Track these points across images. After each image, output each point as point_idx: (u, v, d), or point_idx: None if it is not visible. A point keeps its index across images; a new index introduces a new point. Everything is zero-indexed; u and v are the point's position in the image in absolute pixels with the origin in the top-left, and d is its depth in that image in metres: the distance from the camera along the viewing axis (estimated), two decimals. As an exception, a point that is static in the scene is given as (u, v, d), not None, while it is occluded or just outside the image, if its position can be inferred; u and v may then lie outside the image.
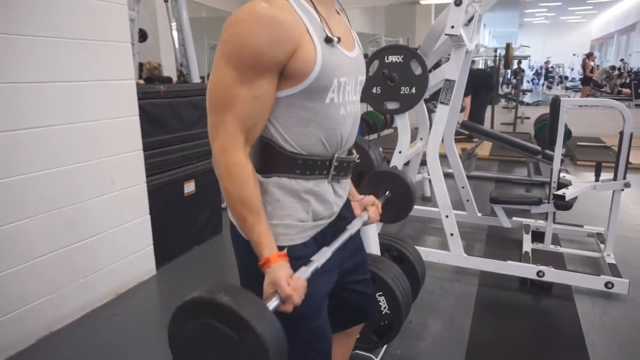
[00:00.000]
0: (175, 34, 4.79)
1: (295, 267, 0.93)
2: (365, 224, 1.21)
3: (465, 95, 5.77)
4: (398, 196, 1.57)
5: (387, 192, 1.53)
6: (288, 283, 0.87)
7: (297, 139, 0.94)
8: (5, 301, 1.93)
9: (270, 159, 0.95)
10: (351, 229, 1.12)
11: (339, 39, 0.93)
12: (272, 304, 0.85)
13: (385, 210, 1.36)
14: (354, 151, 1.11)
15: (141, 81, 4.25)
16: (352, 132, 1.04)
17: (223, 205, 3.42)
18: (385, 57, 2.49)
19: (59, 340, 2.09)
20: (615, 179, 2.61)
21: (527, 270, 2.45)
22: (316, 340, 1.04)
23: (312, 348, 1.03)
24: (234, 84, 0.84)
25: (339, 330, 1.24)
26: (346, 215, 1.14)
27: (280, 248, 0.93)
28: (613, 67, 13.25)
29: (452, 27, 2.20)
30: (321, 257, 0.98)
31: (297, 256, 0.96)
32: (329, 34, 0.91)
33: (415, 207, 3.59)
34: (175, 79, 4.76)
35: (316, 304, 1.01)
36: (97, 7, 2.21)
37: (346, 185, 1.11)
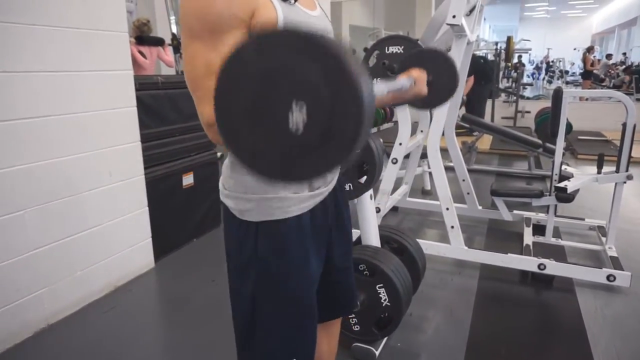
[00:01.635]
0: (174, 27, 4.76)
1: (293, 239, 0.92)
2: (415, 88, 1.13)
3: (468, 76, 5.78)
4: (441, 76, 1.40)
5: (429, 75, 1.34)
6: None
7: None
8: (2, 293, 1.91)
9: None
10: (401, 82, 1.06)
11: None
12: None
13: (429, 92, 1.24)
14: None
15: (132, 39, 4.04)
16: None
17: (220, 198, 3.40)
18: (386, 48, 2.46)
19: (56, 333, 2.07)
20: (617, 171, 2.59)
21: (528, 263, 2.43)
22: (308, 319, 1.02)
23: (302, 327, 1.01)
24: (205, 53, 0.82)
25: (319, 322, 1.20)
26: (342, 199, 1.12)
27: (275, 223, 0.92)
28: (609, 56, 13.23)
29: (454, 16, 2.17)
30: (378, 87, 0.96)
31: (291, 230, 0.94)
32: None
33: (416, 200, 3.58)
34: (168, 43, 4.63)
35: (309, 279, 0.99)
36: (93, -5, 2.18)
37: None
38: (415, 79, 1.14)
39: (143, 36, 4.23)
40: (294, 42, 0.64)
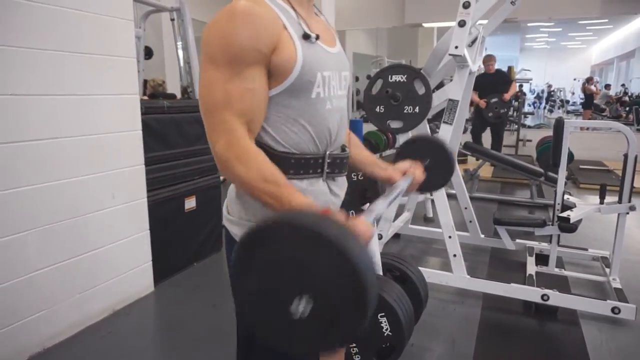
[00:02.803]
0: (180, 52, 4.85)
1: None
2: (412, 185, 1.18)
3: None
4: (437, 163, 1.45)
5: (427, 159, 1.41)
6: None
7: (287, 137, 0.94)
8: (-1, 316, 1.89)
9: None
10: (400, 187, 1.09)
11: (318, 36, 0.94)
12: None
13: (425, 178, 1.29)
14: (347, 148, 1.10)
15: (145, 97, 4.27)
16: (340, 127, 1.03)
17: (223, 222, 3.39)
18: (389, 77, 2.50)
19: (52, 357, 2.04)
20: (620, 201, 2.59)
21: (531, 294, 2.40)
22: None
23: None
24: (224, 82, 0.84)
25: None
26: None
27: None
28: (608, 86, 13.38)
29: (456, 47, 2.22)
30: (379, 207, 0.95)
31: None
32: (307, 31, 0.92)
33: (418, 227, 3.57)
34: (179, 95, 4.80)
35: None
36: (104, 22, 2.23)
37: (343, 184, 1.09)
38: (412, 175, 1.21)
39: (156, 94, 4.42)
40: (300, 234, 0.69)
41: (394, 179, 1.19)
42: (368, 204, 1.74)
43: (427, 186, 1.34)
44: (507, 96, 5.98)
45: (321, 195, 0.99)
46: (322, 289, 0.68)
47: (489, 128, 6.43)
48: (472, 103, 6.73)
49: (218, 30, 0.84)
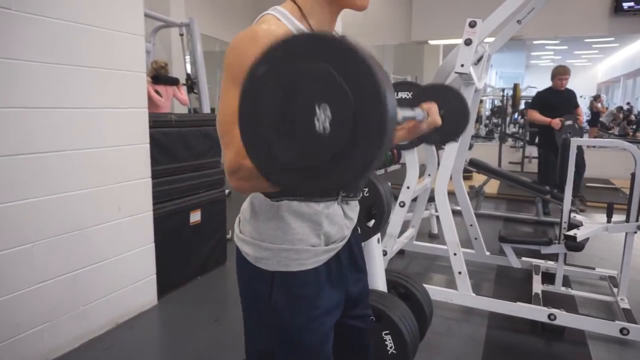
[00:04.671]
0: (188, 66, 4.92)
1: (309, 291, 0.92)
2: (428, 121, 1.11)
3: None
4: (452, 112, 1.39)
5: (442, 110, 1.31)
6: None
7: None
8: (1, 328, 1.89)
9: None
10: (415, 112, 1.05)
11: None
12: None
13: (442, 125, 1.21)
14: None
15: (149, 79, 4.13)
16: None
17: (228, 236, 3.39)
18: (396, 94, 2.52)
19: (54, 370, 2.03)
20: (627, 220, 2.57)
21: (538, 313, 2.37)
22: None
23: None
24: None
25: None
26: (357, 245, 1.12)
27: (291, 274, 0.92)
28: (620, 108, 13.35)
29: (462, 65, 2.24)
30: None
31: (307, 282, 0.94)
32: None
33: (423, 244, 3.55)
34: (182, 81, 4.75)
35: (324, 332, 0.98)
36: (113, 37, 2.27)
37: (355, 208, 1.09)
38: (427, 110, 1.13)
39: (159, 75, 4.37)
40: (311, 47, 0.65)
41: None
42: (373, 221, 1.74)
43: (443, 135, 1.31)
44: (581, 119, 4.73)
45: (336, 217, 1.00)
46: (340, 96, 0.63)
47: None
48: (532, 124, 5.41)
49: (240, 52, 0.85)
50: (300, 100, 0.65)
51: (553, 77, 4.59)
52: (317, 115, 0.64)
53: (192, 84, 4.56)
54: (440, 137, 1.32)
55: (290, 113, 0.66)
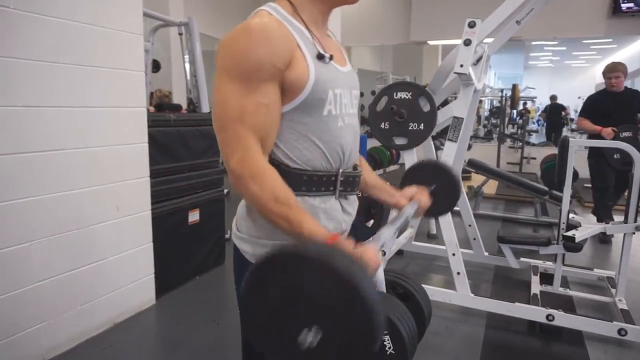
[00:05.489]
0: (187, 65, 4.91)
1: None
2: (418, 211, 1.18)
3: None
4: (443, 188, 1.45)
5: (432, 185, 1.42)
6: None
7: (300, 154, 0.94)
8: (-1, 327, 1.89)
9: None
10: (406, 213, 1.10)
11: (332, 56, 0.95)
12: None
13: (431, 204, 1.30)
14: (358, 167, 1.10)
15: (151, 108, 4.31)
16: (353, 145, 1.03)
17: (227, 236, 3.39)
18: (395, 94, 2.52)
19: (52, 370, 2.03)
20: (626, 221, 2.57)
21: (536, 314, 2.37)
22: None
23: None
24: (239, 97, 0.85)
25: None
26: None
27: None
28: None
29: (461, 65, 2.24)
30: (385, 234, 0.96)
31: None
32: (321, 51, 0.93)
33: (421, 244, 3.55)
34: (185, 106, 4.87)
35: None
36: (114, 36, 2.27)
37: (354, 202, 1.09)
38: (418, 201, 1.21)
39: (162, 104, 4.52)
40: (309, 266, 0.71)
41: (400, 204, 1.20)
42: (372, 221, 1.74)
43: (433, 211, 1.35)
44: None
45: (334, 212, 1.00)
46: (331, 319, 0.69)
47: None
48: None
49: (234, 46, 0.86)
50: (294, 311, 0.72)
51: (604, 77, 3.86)
52: (305, 333, 0.70)
53: (194, 110, 4.62)
54: (432, 211, 1.35)
55: (284, 317, 0.73)
